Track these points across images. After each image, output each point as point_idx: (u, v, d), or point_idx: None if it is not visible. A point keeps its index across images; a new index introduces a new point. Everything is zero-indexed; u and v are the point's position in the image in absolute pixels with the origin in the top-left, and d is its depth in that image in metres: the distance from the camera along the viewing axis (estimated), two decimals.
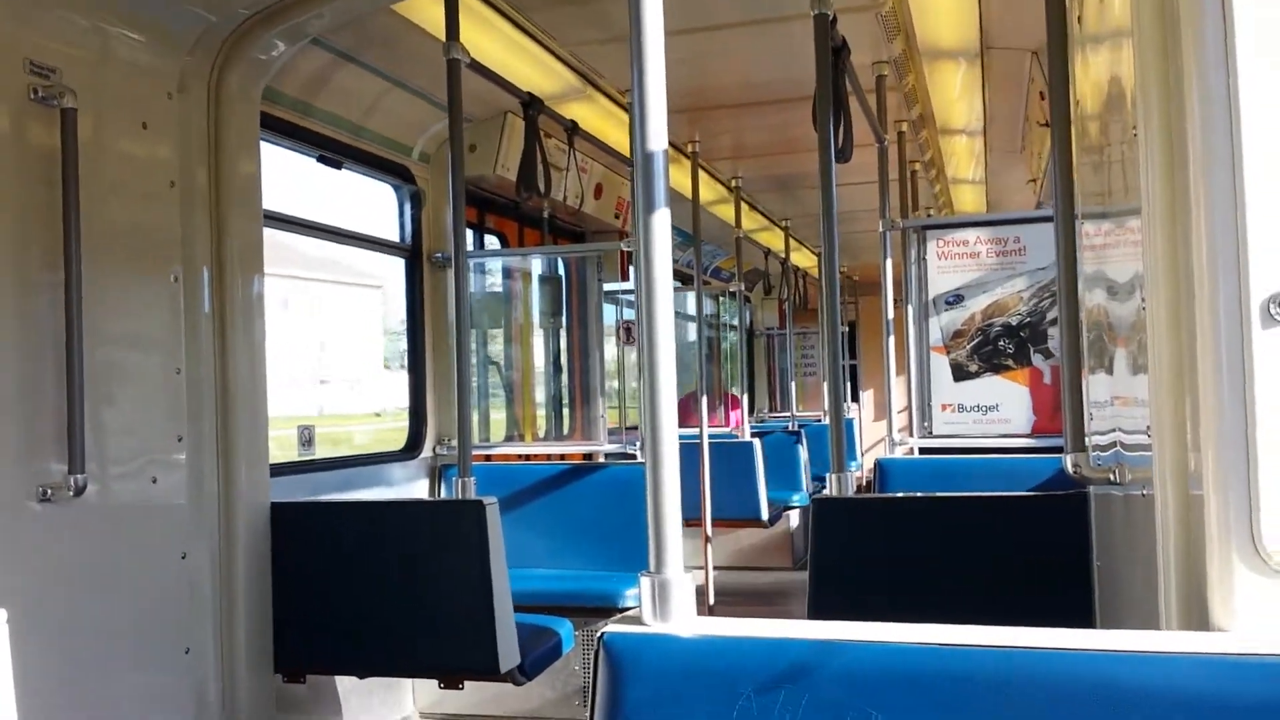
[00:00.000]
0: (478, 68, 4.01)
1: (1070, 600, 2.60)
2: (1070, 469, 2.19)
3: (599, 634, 1.41)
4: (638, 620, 1.44)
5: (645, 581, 1.44)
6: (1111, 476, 1.93)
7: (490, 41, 4.29)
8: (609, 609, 4.20)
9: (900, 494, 3.99)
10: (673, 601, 1.43)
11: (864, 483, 6.94)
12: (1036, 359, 4.57)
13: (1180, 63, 1.25)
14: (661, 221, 1.46)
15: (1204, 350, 1.23)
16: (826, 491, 3.15)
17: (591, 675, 1.41)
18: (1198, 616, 1.26)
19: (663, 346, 1.46)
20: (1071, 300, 2.25)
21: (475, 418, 5.61)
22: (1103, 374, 2.00)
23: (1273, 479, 1.18)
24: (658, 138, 1.46)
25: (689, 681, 1.35)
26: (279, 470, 3.94)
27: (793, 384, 9.56)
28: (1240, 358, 1.20)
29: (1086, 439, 2.22)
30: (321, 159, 4.29)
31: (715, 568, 6.37)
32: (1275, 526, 1.19)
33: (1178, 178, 1.28)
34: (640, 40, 1.46)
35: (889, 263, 4.91)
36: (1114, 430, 1.89)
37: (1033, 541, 2.82)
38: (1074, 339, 2.25)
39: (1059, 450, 2.34)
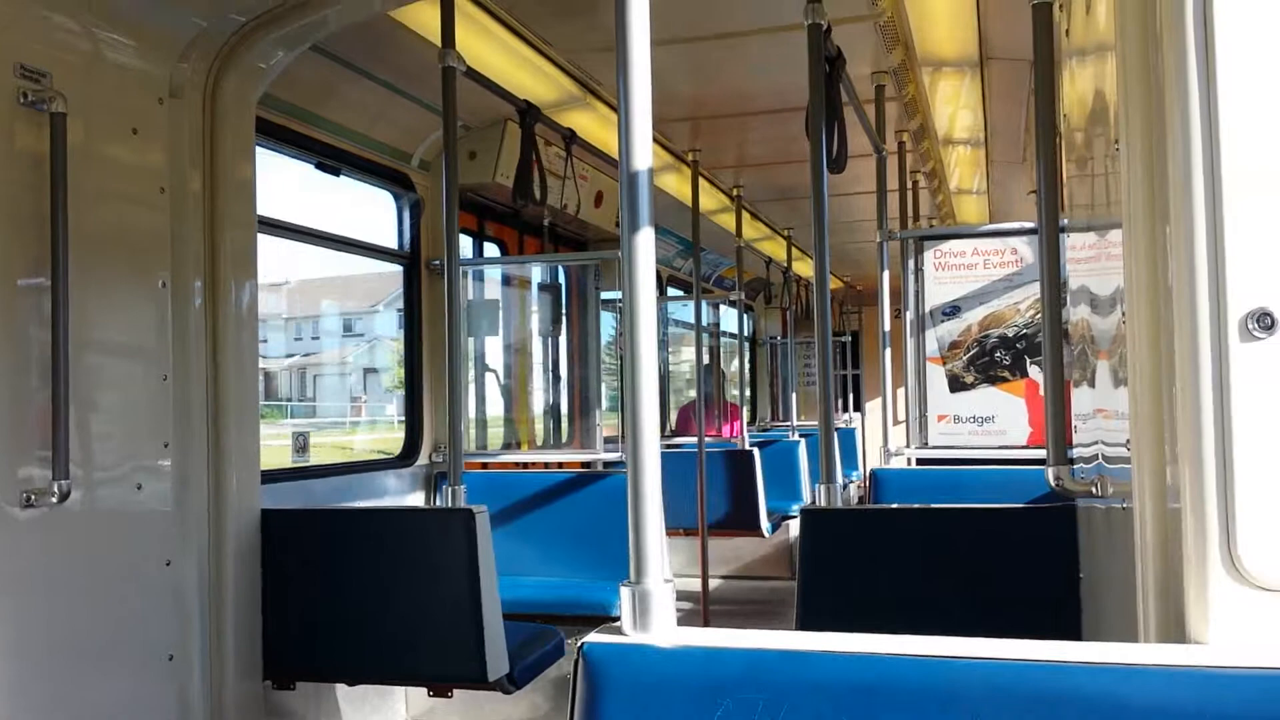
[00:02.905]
0: (473, 75, 4.02)
1: (1058, 613, 2.59)
2: (1052, 482, 2.18)
3: (579, 644, 1.41)
4: (618, 630, 1.44)
5: (625, 591, 1.44)
6: (1093, 489, 1.92)
7: (488, 49, 4.30)
8: (604, 618, 4.18)
9: (888, 505, 3.98)
10: (653, 611, 1.43)
11: (865, 493, 6.94)
12: (1033, 371, 4.56)
13: (1162, 76, 1.25)
14: (646, 235, 1.46)
15: (1183, 364, 1.22)
16: (815, 502, 3.14)
17: (571, 685, 1.40)
18: (1176, 630, 1.26)
19: (644, 356, 1.46)
20: (1055, 313, 2.25)
21: (472, 426, 5.61)
22: (1086, 387, 2.00)
23: (1250, 493, 1.18)
24: (643, 155, 1.46)
25: (667, 691, 1.35)
26: (275, 477, 3.93)
27: (794, 393, 9.54)
28: (1219, 373, 1.20)
29: (1071, 451, 2.21)
30: (320, 166, 4.30)
31: (714, 576, 6.35)
32: (1252, 541, 1.18)
33: (1158, 191, 1.27)
34: (626, 54, 1.46)
35: (886, 274, 4.91)
36: (1096, 443, 1.89)
37: (1021, 554, 2.81)
38: (1056, 352, 2.25)
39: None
